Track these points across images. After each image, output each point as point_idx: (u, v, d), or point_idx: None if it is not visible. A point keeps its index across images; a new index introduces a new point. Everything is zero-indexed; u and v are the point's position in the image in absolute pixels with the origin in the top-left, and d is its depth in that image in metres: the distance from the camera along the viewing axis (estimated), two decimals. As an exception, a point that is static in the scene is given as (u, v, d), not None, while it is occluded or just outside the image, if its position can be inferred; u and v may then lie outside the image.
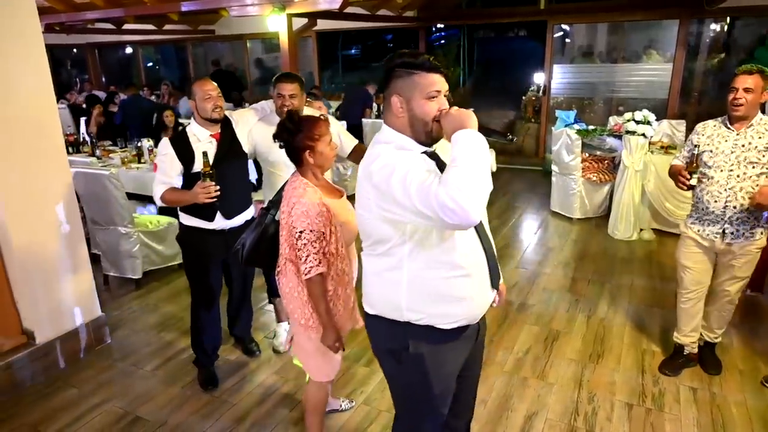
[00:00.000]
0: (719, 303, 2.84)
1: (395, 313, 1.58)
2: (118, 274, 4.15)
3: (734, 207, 2.54)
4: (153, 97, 9.15)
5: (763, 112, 2.66)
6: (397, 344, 1.60)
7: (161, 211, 4.59)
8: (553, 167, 5.74)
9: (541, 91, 8.36)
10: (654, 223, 5.06)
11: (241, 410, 2.73)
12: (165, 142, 2.64)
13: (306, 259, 1.92)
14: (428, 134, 1.51)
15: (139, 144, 5.35)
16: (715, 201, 2.58)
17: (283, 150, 2.06)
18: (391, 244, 1.51)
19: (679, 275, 2.85)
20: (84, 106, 8.18)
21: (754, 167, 2.49)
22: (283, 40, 6.07)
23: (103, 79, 12.49)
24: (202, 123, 2.65)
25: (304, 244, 1.92)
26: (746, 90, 2.44)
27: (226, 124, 2.71)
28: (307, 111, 2.78)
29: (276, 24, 5.98)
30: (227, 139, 2.70)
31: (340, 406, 2.68)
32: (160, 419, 2.67)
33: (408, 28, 9.40)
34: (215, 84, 2.63)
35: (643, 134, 4.71)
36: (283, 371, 3.05)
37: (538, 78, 8.57)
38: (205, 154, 2.48)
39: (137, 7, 6.83)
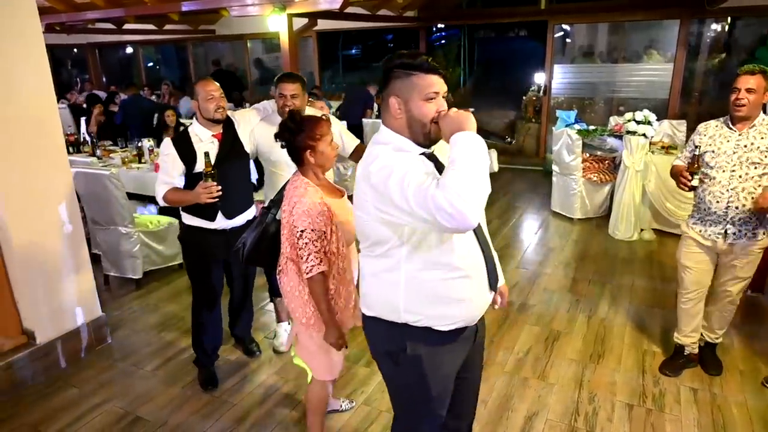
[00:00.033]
0: (721, 303, 2.83)
1: (393, 315, 1.57)
2: (119, 274, 4.15)
3: (736, 207, 2.54)
4: (153, 97, 9.16)
5: (765, 112, 2.65)
6: (395, 346, 1.59)
7: (162, 211, 4.59)
8: (554, 167, 5.74)
9: (541, 91, 8.35)
10: (655, 223, 5.06)
11: (242, 410, 2.73)
12: (167, 142, 2.65)
13: (307, 258, 1.93)
14: (426, 135, 1.50)
15: (139, 144, 5.35)
16: (717, 201, 2.58)
17: (285, 150, 2.06)
18: (389, 245, 1.51)
19: (680, 275, 2.85)
20: (84, 105, 8.18)
21: (756, 168, 2.49)
22: (284, 40, 6.07)
23: (104, 79, 12.49)
24: (204, 123, 2.65)
25: (306, 244, 1.92)
26: (748, 90, 2.44)
27: (228, 125, 2.72)
28: (309, 111, 2.78)
29: (276, 24, 5.98)
30: (229, 139, 2.70)
31: (341, 406, 2.68)
32: (161, 419, 2.67)
33: (408, 28, 9.40)
34: (218, 84, 2.63)
35: (644, 134, 4.71)
36: (284, 371, 3.05)
37: (539, 78, 8.56)
38: (206, 154, 2.49)
39: (138, 7, 6.83)
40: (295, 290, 2.09)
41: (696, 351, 2.96)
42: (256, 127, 2.83)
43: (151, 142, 5.25)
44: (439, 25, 10.19)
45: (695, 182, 2.57)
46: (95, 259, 3.86)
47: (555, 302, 3.80)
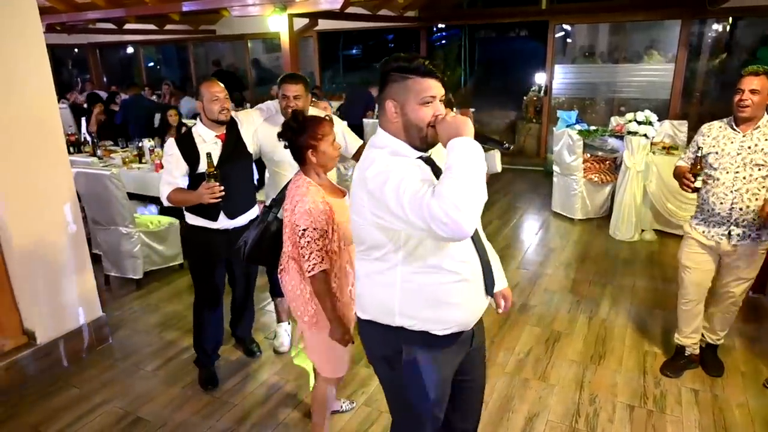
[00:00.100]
0: (723, 305, 2.82)
1: (388, 318, 1.56)
2: (119, 274, 4.15)
3: (740, 209, 2.53)
4: (154, 97, 9.16)
5: None
6: (391, 350, 1.59)
7: (163, 211, 4.59)
8: (555, 168, 5.73)
9: (542, 92, 8.35)
10: (656, 224, 5.05)
11: (242, 411, 2.73)
12: (171, 142, 2.66)
13: (309, 257, 1.93)
14: (423, 139, 1.48)
15: (140, 144, 5.35)
16: (721, 203, 2.57)
17: (288, 150, 2.08)
18: (386, 250, 1.50)
19: (680, 276, 2.84)
20: (85, 105, 8.19)
21: (760, 169, 2.48)
22: (284, 40, 6.06)
23: (105, 79, 12.50)
24: (208, 124, 2.66)
25: (308, 242, 1.93)
26: (752, 91, 2.43)
27: (231, 125, 2.72)
28: (312, 111, 2.79)
29: (277, 24, 5.98)
30: (232, 139, 2.71)
31: (341, 407, 2.67)
32: (161, 419, 2.67)
33: (409, 28, 9.40)
34: (222, 86, 2.64)
35: (645, 135, 4.70)
36: (284, 372, 3.04)
37: (540, 78, 8.56)
38: (209, 155, 2.49)
39: (138, 7, 6.83)
40: (297, 289, 2.10)
41: (697, 352, 2.96)
42: (260, 128, 2.84)
43: (152, 142, 5.26)
44: (440, 25, 10.19)
45: (698, 184, 2.57)
46: (96, 260, 3.86)
47: (556, 303, 3.79)
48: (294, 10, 5.79)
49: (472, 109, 7.46)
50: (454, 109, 1.84)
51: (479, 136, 1.40)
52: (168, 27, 9.73)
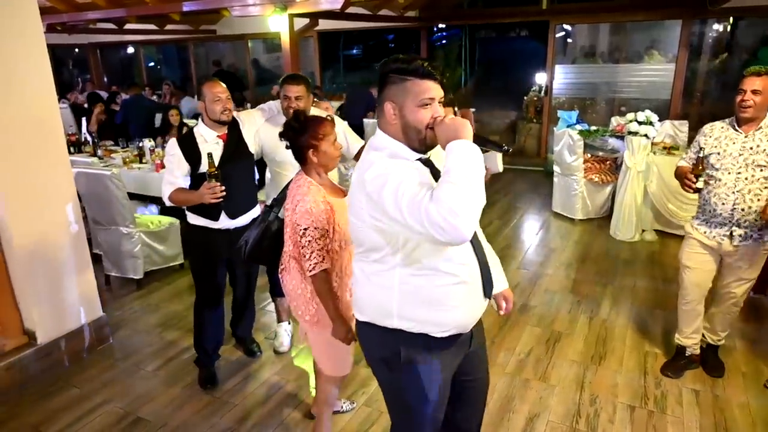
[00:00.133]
0: (724, 305, 2.82)
1: (386, 320, 1.55)
2: (120, 274, 4.15)
3: (742, 210, 2.53)
4: (154, 97, 9.16)
5: None
6: (389, 352, 1.58)
7: (164, 210, 4.59)
8: (555, 168, 5.73)
9: (542, 92, 8.34)
10: (656, 224, 5.05)
11: (243, 411, 2.73)
12: (173, 142, 2.67)
13: (310, 256, 1.94)
14: (422, 141, 1.47)
15: (140, 144, 5.35)
16: (723, 203, 2.57)
17: (290, 150, 2.08)
18: (384, 252, 1.49)
19: (681, 276, 2.84)
20: (86, 105, 8.19)
21: (762, 170, 2.47)
22: (285, 40, 6.06)
23: (105, 79, 12.50)
24: (210, 124, 2.66)
25: (309, 242, 1.93)
26: (754, 92, 2.42)
27: (233, 125, 2.73)
28: (314, 112, 2.79)
29: (277, 24, 5.98)
30: (234, 140, 2.71)
31: (341, 407, 2.67)
32: (162, 419, 2.67)
33: (409, 28, 9.40)
34: (224, 86, 2.64)
35: (646, 135, 4.70)
36: (285, 372, 3.04)
37: (540, 78, 8.55)
38: (210, 155, 2.50)
39: (139, 7, 6.83)
40: (298, 288, 2.10)
41: (697, 352, 2.95)
42: (261, 128, 2.85)
43: (152, 143, 5.25)
44: (441, 25, 10.19)
45: (700, 184, 2.56)
46: (96, 260, 3.86)
47: (556, 303, 3.79)
48: (294, 10, 5.78)
49: (473, 109, 7.42)
50: (456, 109, 1.82)
51: (478, 139, 1.39)
52: (168, 27, 9.72)
